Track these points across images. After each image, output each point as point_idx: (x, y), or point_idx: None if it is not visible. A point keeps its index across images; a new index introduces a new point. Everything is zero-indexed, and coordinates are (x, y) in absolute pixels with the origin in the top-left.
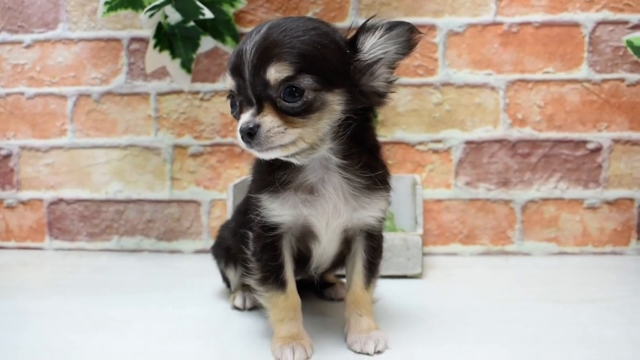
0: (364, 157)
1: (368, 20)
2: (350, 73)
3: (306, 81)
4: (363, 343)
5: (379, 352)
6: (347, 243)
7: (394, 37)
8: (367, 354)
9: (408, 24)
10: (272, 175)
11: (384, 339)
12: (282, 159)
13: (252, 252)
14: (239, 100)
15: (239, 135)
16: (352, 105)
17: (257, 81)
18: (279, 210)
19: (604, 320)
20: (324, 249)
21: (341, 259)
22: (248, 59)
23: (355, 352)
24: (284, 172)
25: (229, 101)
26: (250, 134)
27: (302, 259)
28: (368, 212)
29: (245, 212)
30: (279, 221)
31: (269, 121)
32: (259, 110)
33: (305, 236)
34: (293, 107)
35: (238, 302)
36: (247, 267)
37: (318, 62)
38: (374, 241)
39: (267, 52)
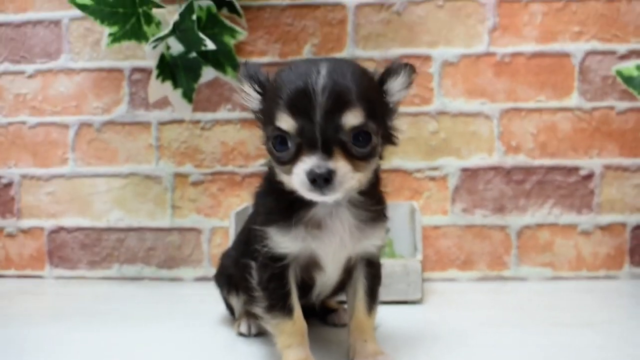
0: (375, 193)
1: (393, 63)
2: (384, 116)
3: (372, 126)
4: None
5: None
6: (348, 271)
7: (406, 79)
8: None
9: (410, 64)
10: (283, 210)
11: None
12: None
13: (258, 281)
14: (295, 142)
15: (304, 178)
16: (382, 147)
17: (329, 125)
18: (288, 243)
19: (601, 344)
20: (328, 278)
21: (342, 285)
22: (319, 102)
23: None
24: (300, 209)
25: (274, 140)
26: (327, 180)
27: (305, 286)
28: (370, 241)
29: (247, 242)
30: (287, 252)
31: (342, 166)
32: (329, 155)
33: (310, 266)
34: (363, 152)
35: (243, 328)
36: (252, 295)
37: (375, 107)
38: (373, 268)
39: (341, 97)
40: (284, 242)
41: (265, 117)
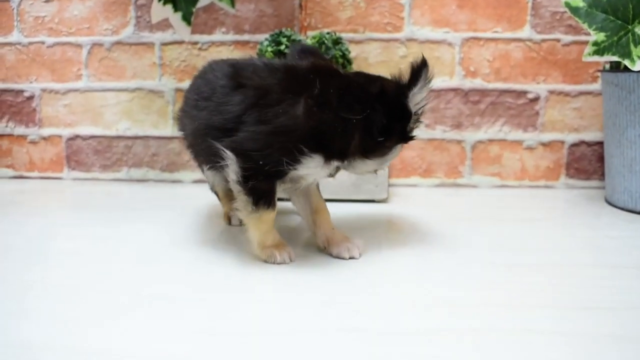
0: None
1: None
2: None
3: None
4: (350, 250)
5: (359, 256)
6: None
7: None
8: (354, 258)
9: None
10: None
11: (361, 245)
12: None
13: (245, 183)
14: None
15: None
16: None
17: None
18: (311, 170)
19: (539, 234)
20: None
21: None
22: None
23: (344, 259)
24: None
25: None
26: None
27: None
28: None
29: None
30: (300, 174)
31: None
32: None
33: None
34: None
35: (232, 220)
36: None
37: None
38: None
39: None
40: (310, 169)
41: None
